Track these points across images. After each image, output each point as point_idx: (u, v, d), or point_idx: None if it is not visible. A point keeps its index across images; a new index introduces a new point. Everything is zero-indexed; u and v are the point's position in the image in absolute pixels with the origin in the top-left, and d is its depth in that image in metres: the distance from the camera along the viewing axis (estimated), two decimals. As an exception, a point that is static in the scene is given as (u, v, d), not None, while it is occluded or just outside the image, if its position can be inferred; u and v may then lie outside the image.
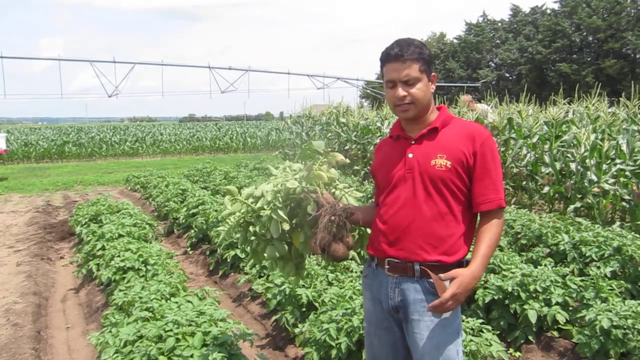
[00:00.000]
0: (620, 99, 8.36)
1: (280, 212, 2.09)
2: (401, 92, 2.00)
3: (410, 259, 2.00)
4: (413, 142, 2.07)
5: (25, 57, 25.95)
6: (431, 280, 1.96)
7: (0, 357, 3.83)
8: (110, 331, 3.15)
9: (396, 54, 2.00)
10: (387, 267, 2.06)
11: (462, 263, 2.04)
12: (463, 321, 3.22)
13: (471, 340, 3.05)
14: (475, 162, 1.98)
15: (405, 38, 2.05)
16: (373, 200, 2.39)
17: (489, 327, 3.29)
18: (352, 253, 2.42)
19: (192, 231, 7.03)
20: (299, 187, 2.09)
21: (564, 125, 7.85)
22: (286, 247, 2.20)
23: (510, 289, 3.72)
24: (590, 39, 40.24)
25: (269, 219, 2.11)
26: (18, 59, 24.67)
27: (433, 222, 1.98)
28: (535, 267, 4.05)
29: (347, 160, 2.30)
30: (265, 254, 2.18)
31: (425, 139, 2.06)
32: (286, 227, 2.10)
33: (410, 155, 2.05)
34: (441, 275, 1.89)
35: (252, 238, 2.23)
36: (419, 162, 2.02)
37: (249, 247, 2.31)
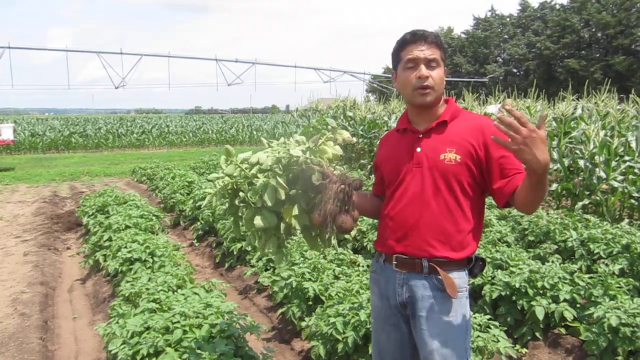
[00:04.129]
0: (630, 95, 8.30)
1: (280, 179, 1.97)
2: (425, 71, 1.95)
3: (418, 255, 1.97)
4: (421, 135, 2.03)
5: (33, 48, 26.00)
6: (440, 276, 1.95)
7: (7, 347, 3.85)
8: (117, 322, 3.16)
9: (422, 34, 1.98)
10: (395, 263, 2.03)
11: (471, 259, 2.02)
12: (470, 317, 3.21)
13: (478, 336, 3.04)
14: (489, 151, 1.93)
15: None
16: (371, 190, 2.33)
17: (496, 323, 3.28)
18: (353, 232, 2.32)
19: (199, 223, 7.04)
20: (302, 156, 2.00)
21: (573, 122, 7.79)
22: (275, 218, 2.07)
23: (517, 285, 3.71)
24: (600, 35, 39.97)
25: (264, 185, 2.00)
26: (26, 50, 24.73)
27: (441, 217, 1.95)
28: (543, 264, 4.04)
29: (354, 139, 2.20)
30: (255, 223, 2.03)
31: (433, 132, 2.01)
32: (282, 195, 1.98)
33: (419, 150, 2.00)
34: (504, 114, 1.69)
35: (241, 204, 2.11)
36: (427, 156, 1.98)
37: (232, 217, 2.20)
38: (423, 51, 1.96)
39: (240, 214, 2.15)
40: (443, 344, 1.95)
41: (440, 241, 1.95)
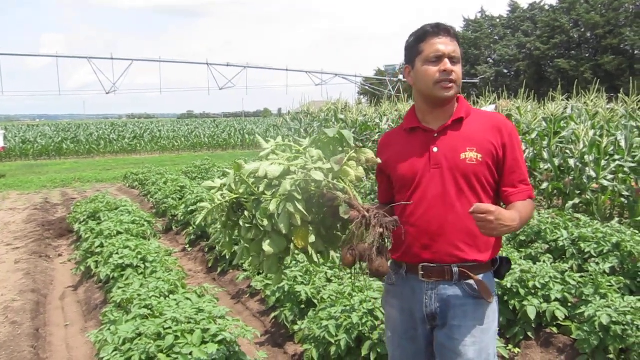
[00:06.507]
0: (619, 95, 8.36)
1: (299, 205, 1.74)
2: (450, 65, 1.86)
3: (447, 261, 1.89)
4: (436, 134, 1.92)
5: (23, 54, 26.03)
6: (470, 281, 1.88)
7: (-2, 355, 3.82)
8: (109, 329, 3.14)
9: (445, 27, 1.89)
10: (422, 272, 1.92)
11: (496, 260, 1.97)
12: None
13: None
14: (505, 154, 1.89)
15: None
16: (377, 200, 2.20)
17: (488, 324, 3.28)
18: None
19: (191, 228, 7.02)
20: (324, 181, 1.77)
21: (563, 122, 7.84)
22: (285, 242, 1.85)
23: (509, 285, 3.72)
24: (589, 35, 40.27)
25: (283, 209, 1.77)
26: (16, 56, 24.66)
27: (467, 219, 1.79)
28: (534, 264, 4.05)
29: (379, 160, 1.96)
30: (264, 249, 1.82)
31: (450, 130, 1.92)
32: (298, 222, 1.76)
33: (435, 150, 1.90)
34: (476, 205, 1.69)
35: (247, 225, 1.88)
36: (446, 156, 1.88)
37: (226, 231, 1.98)
38: (447, 45, 1.87)
39: (239, 232, 1.94)
40: (478, 353, 1.87)
41: (468, 244, 1.87)
